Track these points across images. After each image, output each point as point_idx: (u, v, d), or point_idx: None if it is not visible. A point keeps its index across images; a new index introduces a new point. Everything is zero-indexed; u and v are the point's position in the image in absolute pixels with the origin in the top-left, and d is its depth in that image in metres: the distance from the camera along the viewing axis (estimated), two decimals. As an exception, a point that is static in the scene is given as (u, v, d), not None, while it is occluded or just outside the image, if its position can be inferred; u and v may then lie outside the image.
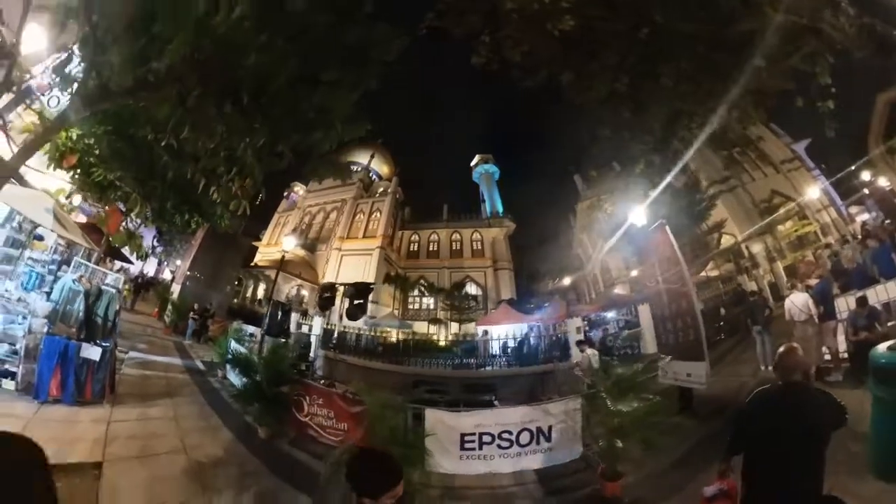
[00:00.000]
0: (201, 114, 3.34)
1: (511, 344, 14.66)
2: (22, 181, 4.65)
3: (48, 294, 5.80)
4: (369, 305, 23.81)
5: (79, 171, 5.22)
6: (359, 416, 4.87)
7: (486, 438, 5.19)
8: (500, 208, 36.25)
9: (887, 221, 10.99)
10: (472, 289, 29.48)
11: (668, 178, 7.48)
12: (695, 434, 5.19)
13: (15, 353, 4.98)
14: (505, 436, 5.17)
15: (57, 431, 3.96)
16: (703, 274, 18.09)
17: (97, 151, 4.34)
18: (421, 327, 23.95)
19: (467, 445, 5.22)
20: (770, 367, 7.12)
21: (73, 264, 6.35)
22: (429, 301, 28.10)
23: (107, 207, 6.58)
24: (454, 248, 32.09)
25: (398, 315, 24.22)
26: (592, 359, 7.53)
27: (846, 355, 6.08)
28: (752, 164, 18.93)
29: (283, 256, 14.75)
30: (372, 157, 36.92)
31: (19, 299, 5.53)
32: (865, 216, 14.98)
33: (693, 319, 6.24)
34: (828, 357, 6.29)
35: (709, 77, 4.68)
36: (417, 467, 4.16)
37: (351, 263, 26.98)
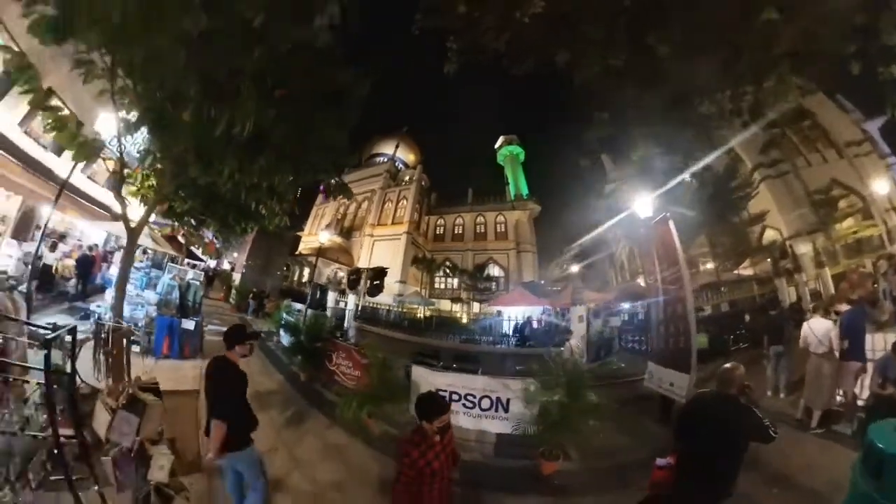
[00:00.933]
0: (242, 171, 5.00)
1: (519, 325, 14.33)
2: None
3: (155, 289, 8.10)
4: (398, 285, 26.11)
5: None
6: (366, 367, 6.54)
7: (455, 397, 5.70)
8: (524, 191, 35.38)
9: None
10: (494, 270, 30.16)
11: (684, 174, 6.68)
12: (659, 441, 4.82)
13: (139, 329, 7.23)
14: (469, 398, 5.65)
15: (170, 374, 5.81)
16: (736, 271, 16.00)
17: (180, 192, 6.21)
18: (446, 305, 25.75)
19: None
20: (782, 396, 6.17)
21: (165, 268, 8.71)
22: (453, 281, 29.72)
23: (177, 225, 8.70)
24: (478, 231, 32.64)
25: (424, 294, 26.11)
26: (575, 350, 7.31)
27: (862, 404, 4.89)
28: (808, 144, 14.95)
29: (321, 246, 16.98)
30: (397, 146, 38.22)
31: (137, 295, 7.81)
32: None
33: (686, 327, 5.69)
34: (840, 399, 5.13)
35: (714, 43, 3.93)
36: (403, 406, 5.57)
37: (381, 248, 29.12)
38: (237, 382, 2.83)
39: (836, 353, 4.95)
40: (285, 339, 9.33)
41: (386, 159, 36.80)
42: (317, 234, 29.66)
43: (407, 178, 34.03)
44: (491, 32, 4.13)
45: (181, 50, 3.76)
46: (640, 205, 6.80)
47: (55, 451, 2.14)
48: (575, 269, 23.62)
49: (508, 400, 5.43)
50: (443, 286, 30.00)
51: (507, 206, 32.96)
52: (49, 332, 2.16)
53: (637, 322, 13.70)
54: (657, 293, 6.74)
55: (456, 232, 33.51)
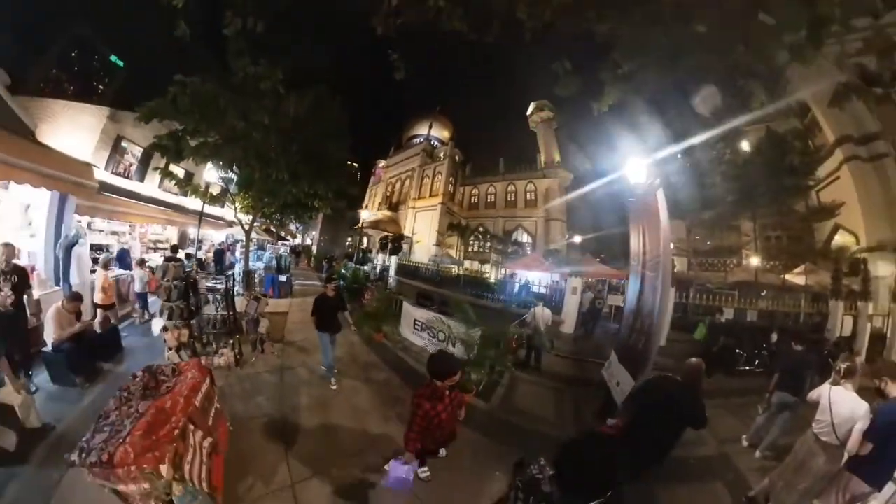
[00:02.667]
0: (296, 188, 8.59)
1: (516, 287, 14.78)
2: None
3: (262, 260, 12.73)
4: (434, 248, 29.57)
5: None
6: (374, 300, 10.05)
7: (424, 327, 7.54)
8: (555, 158, 33.13)
9: None
10: (523, 237, 31.26)
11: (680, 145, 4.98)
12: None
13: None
14: (432, 330, 7.26)
15: (272, 305, 8.38)
16: (784, 275, 11.70)
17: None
18: (475, 266, 28.47)
19: (415, 327, 7.90)
20: (757, 455, 4.17)
21: (266, 247, 13.46)
22: (484, 245, 32.33)
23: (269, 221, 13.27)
24: (509, 199, 33.51)
25: (458, 256, 29.37)
26: (538, 316, 7.18)
27: None
28: None
29: (372, 219, 21.15)
30: (430, 126, 40.12)
31: (253, 264, 12.36)
32: None
33: (650, 327, 4.47)
34: None
35: None
36: (391, 327, 8.09)
37: (421, 218, 32.79)
38: (324, 301, 5.27)
39: (847, 455, 2.86)
40: (342, 284, 13.57)
41: (422, 139, 39.18)
42: (372, 210, 34.40)
43: (441, 154, 36.24)
44: (444, 15, 3.21)
45: (238, 147, 7.23)
46: (631, 167, 4.89)
47: (230, 318, 5.86)
48: (578, 239, 22.75)
49: (457, 340, 6.37)
50: (475, 249, 32.81)
51: (538, 174, 32.45)
52: (220, 280, 5.84)
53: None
54: (636, 278, 5.40)
55: (489, 200, 35.18)
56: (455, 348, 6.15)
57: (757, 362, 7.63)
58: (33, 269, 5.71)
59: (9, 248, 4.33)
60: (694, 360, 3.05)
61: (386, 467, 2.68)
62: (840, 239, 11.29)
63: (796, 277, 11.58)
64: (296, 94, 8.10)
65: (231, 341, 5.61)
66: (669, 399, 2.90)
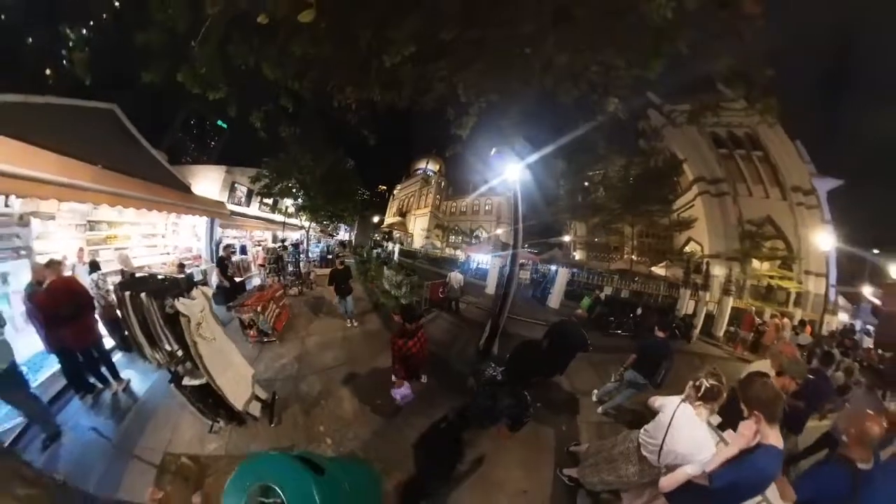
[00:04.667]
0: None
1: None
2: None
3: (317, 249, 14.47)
4: (425, 240, 31.70)
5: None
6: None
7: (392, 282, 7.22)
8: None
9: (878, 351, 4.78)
10: (482, 234, 32.67)
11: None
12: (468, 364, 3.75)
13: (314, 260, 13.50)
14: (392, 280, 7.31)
15: (319, 271, 9.41)
16: (653, 268, 11.53)
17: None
18: (450, 251, 30.57)
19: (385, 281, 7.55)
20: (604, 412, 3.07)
21: (320, 241, 15.19)
22: (457, 238, 34.47)
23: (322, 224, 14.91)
24: (474, 209, 34.79)
25: (441, 245, 31.48)
26: (452, 278, 6.73)
27: None
28: (755, 175, 9.91)
29: (388, 223, 22.69)
30: (427, 162, 41.28)
31: (311, 252, 14.15)
32: (852, 321, 7.31)
33: (506, 297, 3.90)
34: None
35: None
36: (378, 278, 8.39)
37: (418, 221, 34.70)
38: (336, 273, 4.93)
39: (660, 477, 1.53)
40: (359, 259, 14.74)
41: (422, 171, 40.52)
42: (390, 216, 36.07)
43: (433, 181, 37.61)
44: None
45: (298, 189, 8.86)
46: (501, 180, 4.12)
47: (298, 274, 7.81)
48: (500, 231, 23.98)
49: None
50: (452, 241, 35.01)
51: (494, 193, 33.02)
52: (293, 257, 7.72)
53: (539, 276, 10.95)
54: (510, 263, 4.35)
55: (462, 210, 36.86)
56: (402, 290, 6.44)
57: (624, 328, 6.88)
58: (200, 255, 6.99)
59: (122, 255, 4.50)
60: (580, 311, 3.48)
61: (392, 393, 2.60)
62: (691, 246, 11.25)
63: (659, 270, 11.36)
64: (325, 159, 9.73)
65: (298, 283, 7.57)
66: (568, 331, 3.05)
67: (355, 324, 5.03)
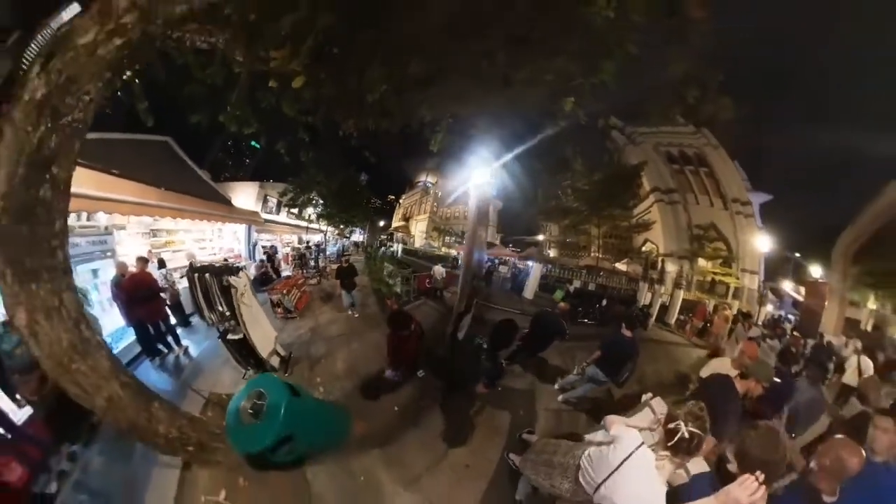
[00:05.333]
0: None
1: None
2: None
3: (334, 246, 14.95)
4: (424, 239, 32.23)
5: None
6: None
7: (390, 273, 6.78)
8: (492, 192, 32.75)
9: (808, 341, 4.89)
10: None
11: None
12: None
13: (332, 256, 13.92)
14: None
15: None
16: (616, 264, 11.69)
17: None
18: (446, 249, 30.98)
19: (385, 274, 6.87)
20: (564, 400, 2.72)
21: (336, 241, 15.63)
22: (451, 239, 34.91)
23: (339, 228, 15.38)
24: (465, 215, 36.20)
25: (438, 244, 31.92)
26: (436, 270, 6.78)
27: None
28: (702, 188, 10.53)
29: (394, 226, 23.13)
30: (427, 175, 41.71)
31: (330, 250, 14.58)
32: (778, 312, 7.85)
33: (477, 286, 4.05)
34: None
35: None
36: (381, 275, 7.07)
37: (419, 225, 35.16)
38: (341, 269, 4.89)
39: None
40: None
41: (422, 183, 40.90)
42: (396, 221, 36.63)
43: (431, 191, 37.99)
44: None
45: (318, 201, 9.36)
46: (477, 178, 3.79)
47: (317, 267, 8.31)
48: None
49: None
50: (447, 241, 35.48)
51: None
52: (314, 255, 8.21)
53: (517, 271, 10.78)
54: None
55: (455, 216, 37.25)
56: (396, 280, 6.37)
57: (590, 317, 6.69)
58: (240, 255, 7.35)
59: (189, 253, 4.96)
60: (562, 304, 3.51)
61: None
62: (648, 246, 11.36)
63: (621, 266, 11.49)
64: (337, 177, 10.22)
65: (317, 275, 8.03)
66: (549, 320, 3.07)
67: (354, 313, 4.99)
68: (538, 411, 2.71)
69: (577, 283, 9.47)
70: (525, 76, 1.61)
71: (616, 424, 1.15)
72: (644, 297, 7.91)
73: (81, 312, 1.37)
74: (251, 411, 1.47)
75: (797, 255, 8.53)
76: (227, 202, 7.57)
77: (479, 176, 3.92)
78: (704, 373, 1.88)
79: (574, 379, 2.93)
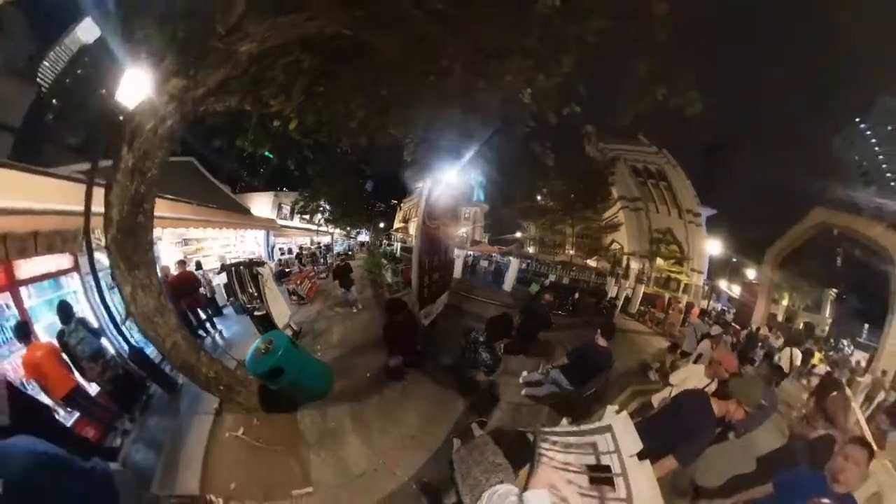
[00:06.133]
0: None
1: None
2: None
3: (341, 247, 15.01)
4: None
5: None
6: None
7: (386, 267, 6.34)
8: (480, 197, 31.31)
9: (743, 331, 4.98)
10: (463, 235, 32.36)
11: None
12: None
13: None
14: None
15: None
16: (588, 261, 11.41)
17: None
18: None
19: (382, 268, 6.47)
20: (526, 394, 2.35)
21: (343, 241, 15.72)
22: None
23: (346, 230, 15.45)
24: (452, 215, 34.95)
25: (433, 241, 31.69)
26: None
27: None
28: (661, 198, 10.90)
29: (394, 228, 23.04)
30: (423, 181, 41.29)
31: (339, 247, 14.67)
32: (714, 305, 8.34)
33: (446, 276, 3.71)
34: None
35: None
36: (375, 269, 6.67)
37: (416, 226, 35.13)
38: (338, 268, 4.58)
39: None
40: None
41: (419, 188, 40.17)
42: (397, 223, 36.44)
43: (424, 195, 37.59)
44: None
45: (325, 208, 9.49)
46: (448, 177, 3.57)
47: (326, 264, 8.55)
48: (464, 231, 20.51)
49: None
50: None
51: (472, 203, 31.73)
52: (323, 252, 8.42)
53: (497, 266, 10.07)
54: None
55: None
56: (388, 271, 6.18)
57: (563, 308, 6.19)
58: (260, 257, 7.02)
59: (221, 255, 5.11)
60: (548, 295, 3.16)
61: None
62: (615, 245, 11.23)
63: (591, 262, 11.33)
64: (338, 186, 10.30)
65: (326, 270, 7.56)
66: (537, 311, 3.12)
67: (356, 308, 4.60)
68: (502, 406, 2.37)
69: (552, 277, 9.33)
70: (483, 83, 1.50)
71: (530, 495, 0.76)
72: (611, 291, 7.96)
73: (161, 287, 1.85)
74: (262, 350, 1.89)
75: (734, 259, 9.15)
76: (246, 211, 7.91)
77: (442, 178, 3.99)
78: (674, 379, 1.59)
79: (538, 377, 2.60)
